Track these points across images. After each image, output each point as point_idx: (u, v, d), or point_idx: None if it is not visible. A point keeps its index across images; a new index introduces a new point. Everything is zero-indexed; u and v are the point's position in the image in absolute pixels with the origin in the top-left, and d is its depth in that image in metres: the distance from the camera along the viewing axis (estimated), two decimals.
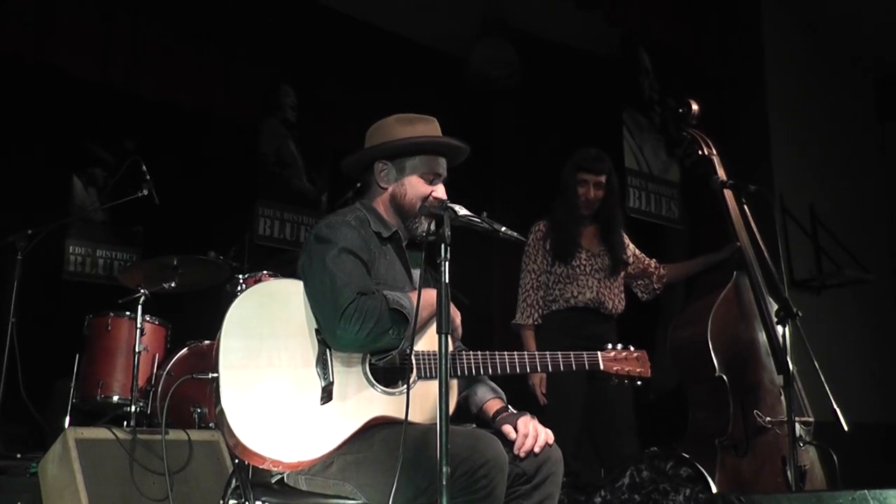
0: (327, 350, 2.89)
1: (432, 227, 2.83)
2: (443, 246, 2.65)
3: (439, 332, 2.57)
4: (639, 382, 3.25)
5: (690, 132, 5.17)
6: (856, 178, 8.15)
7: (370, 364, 2.94)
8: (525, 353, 3.12)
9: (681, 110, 5.23)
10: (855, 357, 7.33)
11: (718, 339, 4.57)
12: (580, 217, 5.24)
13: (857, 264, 7.34)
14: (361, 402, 2.89)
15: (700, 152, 5.04)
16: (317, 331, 2.91)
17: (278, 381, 2.82)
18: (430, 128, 3.28)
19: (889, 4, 7.54)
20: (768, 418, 4.43)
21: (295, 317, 2.92)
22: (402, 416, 2.77)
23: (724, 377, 4.51)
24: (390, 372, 2.97)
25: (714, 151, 5.06)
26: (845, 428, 3.89)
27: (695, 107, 5.18)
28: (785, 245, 7.08)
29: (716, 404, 4.52)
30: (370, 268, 3.04)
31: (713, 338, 4.56)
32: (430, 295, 2.91)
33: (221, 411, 2.75)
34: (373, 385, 2.92)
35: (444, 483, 2.44)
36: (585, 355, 3.18)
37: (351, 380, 2.90)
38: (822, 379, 4.02)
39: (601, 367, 3.19)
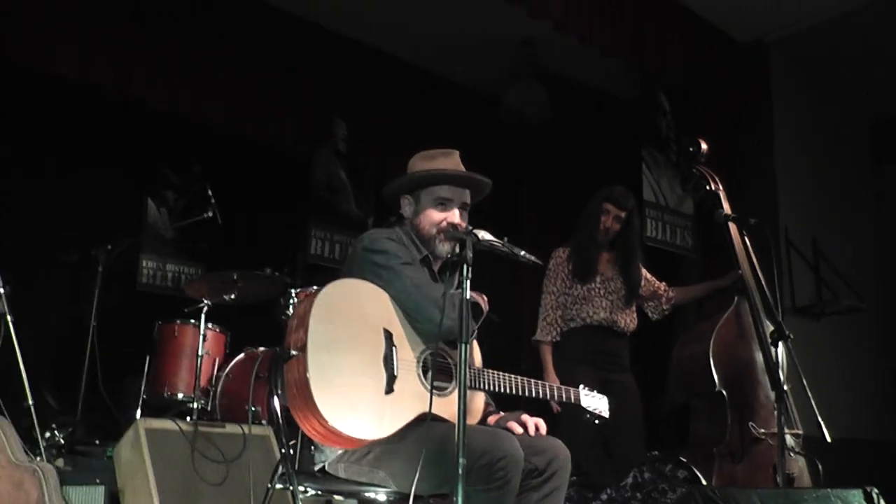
0: (393, 348, 3.01)
1: (456, 249, 2.95)
2: (464, 266, 2.81)
3: (460, 341, 2.71)
4: (596, 421, 3.50)
5: (699, 169, 5.25)
6: (854, 216, 8.18)
7: (423, 366, 3.09)
8: (532, 380, 3.30)
9: (691, 149, 5.32)
10: (849, 378, 7.36)
11: (719, 356, 4.67)
12: (600, 243, 5.38)
13: (854, 294, 7.36)
14: (415, 397, 3.02)
15: (707, 187, 5.13)
16: (385, 330, 3.03)
17: (354, 366, 2.92)
18: (448, 160, 3.41)
19: (885, 55, 7.63)
20: (762, 430, 4.52)
21: (368, 313, 3.04)
22: (444, 415, 2.97)
23: (724, 392, 4.61)
24: (436, 374, 3.12)
25: (720, 187, 5.14)
26: (828, 439, 3.98)
27: (704, 146, 5.28)
28: (789, 274, 7.13)
29: (715, 416, 4.61)
30: None
31: (715, 355, 4.67)
32: None
33: (306, 380, 2.82)
34: (424, 386, 3.06)
35: (461, 473, 2.56)
36: (572, 391, 3.42)
37: (408, 377, 3.03)
38: (809, 394, 4.10)
39: (581, 402, 3.43)
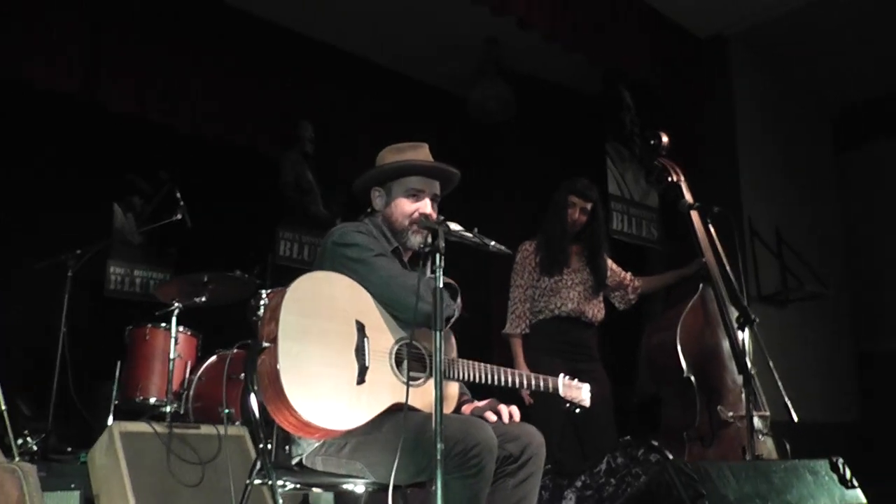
0: (365, 339, 3.03)
1: (428, 239, 2.99)
2: (437, 255, 2.86)
3: (434, 328, 2.75)
4: (577, 410, 3.49)
5: (661, 161, 5.36)
6: (816, 203, 8.32)
7: (396, 357, 3.10)
8: (510, 369, 3.31)
9: (652, 142, 5.42)
10: (815, 363, 7.49)
11: (686, 343, 4.76)
12: (567, 235, 5.44)
13: (818, 280, 7.48)
14: (387, 387, 3.04)
15: (669, 179, 5.24)
16: (357, 321, 3.04)
17: (325, 357, 2.94)
18: (417, 153, 3.46)
19: (844, 46, 7.75)
20: (731, 413, 4.61)
21: (339, 305, 3.05)
22: (419, 405, 3.01)
23: (692, 377, 4.70)
24: (410, 364, 3.14)
25: (682, 178, 5.25)
26: (795, 419, 4.06)
27: (665, 138, 5.39)
28: (753, 263, 7.23)
29: (684, 401, 4.70)
30: None
31: (682, 343, 4.76)
32: None
33: (276, 372, 2.83)
34: (396, 376, 3.08)
35: (439, 458, 2.61)
36: (550, 380, 3.41)
37: (380, 369, 3.05)
38: (776, 377, 4.19)
39: (560, 391, 3.42)
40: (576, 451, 5.04)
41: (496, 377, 3.28)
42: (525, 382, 3.35)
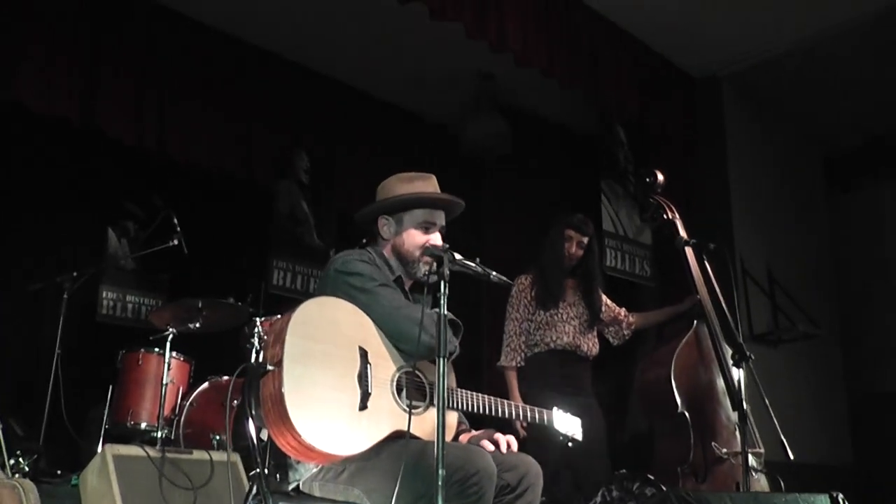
0: (368, 366, 3.04)
1: (433, 267, 3.03)
2: (442, 282, 2.88)
3: (438, 356, 2.78)
4: (570, 444, 3.52)
5: (656, 199, 5.42)
6: (808, 245, 8.38)
7: (397, 385, 3.12)
8: (506, 401, 3.35)
9: (648, 179, 5.48)
10: (808, 404, 7.49)
11: (680, 379, 4.78)
12: (563, 269, 5.46)
13: (810, 321, 7.51)
14: (389, 415, 3.05)
15: (665, 216, 5.29)
16: (360, 348, 3.06)
17: (329, 382, 2.95)
18: (427, 184, 3.49)
19: (837, 89, 7.85)
20: (724, 450, 4.62)
21: (345, 331, 3.07)
22: (419, 433, 3.01)
23: (686, 413, 4.72)
24: (410, 393, 3.16)
25: (677, 215, 5.30)
26: (790, 456, 4.08)
27: (660, 176, 5.45)
28: (746, 302, 7.27)
29: (678, 437, 4.72)
30: None
31: (676, 378, 4.78)
32: None
33: (281, 395, 2.83)
34: (397, 403, 3.10)
35: (440, 484, 2.62)
36: (545, 412, 3.44)
37: (382, 395, 3.06)
38: (772, 414, 4.21)
39: (554, 424, 3.45)
40: (570, 484, 5.03)
41: (494, 408, 3.30)
42: (521, 414, 3.39)
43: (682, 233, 5.25)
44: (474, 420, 3.41)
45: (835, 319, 8.43)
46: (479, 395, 3.29)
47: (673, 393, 4.76)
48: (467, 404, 3.25)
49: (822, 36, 7.12)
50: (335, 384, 2.97)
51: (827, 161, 9.03)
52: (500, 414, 3.30)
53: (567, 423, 3.50)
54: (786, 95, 8.01)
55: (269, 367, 2.91)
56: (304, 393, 2.89)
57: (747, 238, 7.51)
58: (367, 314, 3.17)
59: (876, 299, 8.52)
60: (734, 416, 4.62)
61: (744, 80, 7.78)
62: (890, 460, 7.62)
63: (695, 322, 5.07)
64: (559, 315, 5.35)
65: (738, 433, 4.58)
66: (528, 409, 3.42)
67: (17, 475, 3.66)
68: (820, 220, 8.76)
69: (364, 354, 3.07)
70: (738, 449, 4.50)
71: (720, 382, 4.84)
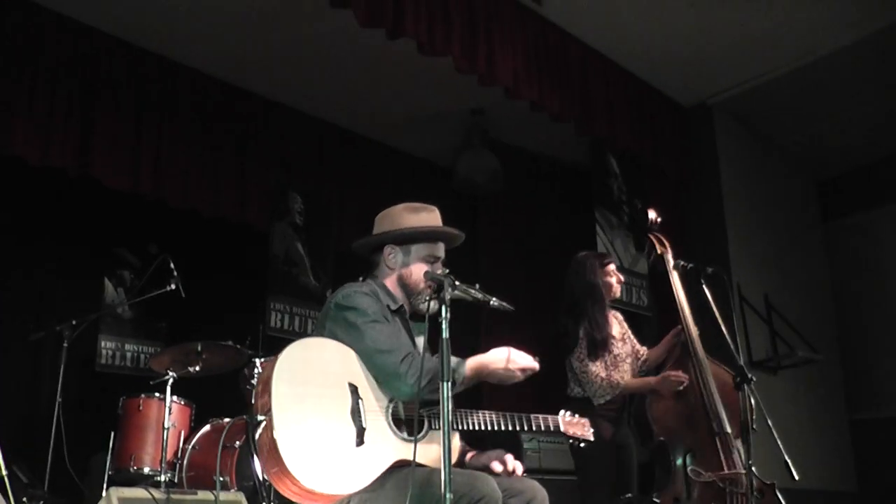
0: (360, 401, 3.09)
1: (434, 292, 3.07)
2: (443, 307, 2.93)
3: (442, 379, 2.81)
4: (582, 444, 3.53)
5: (650, 236, 5.51)
6: (804, 271, 8.45)
7: (392, 415, 3.16)
8: (509, 414, 3.33)
9: (642, 217, 5.61)
10: (808, 430, 7.53)
11: (658, 409, 4.92)
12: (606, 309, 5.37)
13: (808, 346, 7.55)
14: (387, 446, 3.09)
15: (657, 252, 5.40)
16: (350, 384, 3.10)
17: (322, 424, 2.99)
18: (432, 217, 3.57)
19: (826, 113, 7.96)
20: (709, 473, 4.65)
21: (331, 370, 3.12)
22: (421, 460, 3.02)
23: (663, 439, 4.83)
24: (408, 422, 3.19)
25: (668, 249, 5.40)
26: (795, 476, 4.08)
27: (653, 215, 5.55)
28: (744, 329, 7.31)
29: (662, 465, 4.79)
30: None
31: (652, 409, 4.93)
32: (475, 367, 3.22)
33: (274, 443, 2.88)
34: (394, 433, 3.13)
35: None
36: (551, 418, 3.44)
37: (378, 427, 3.10)
38: (775, 435, 4.21)
39: (561, 428, 3.46)
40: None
41: (498, 424, 3.30)
42: (526, 425, 3.37)
43: (670, 266, 5.33)
44: (477, 440, 3.42)
45: (833, 345, 8.48)
46: (481, 411, 3.30)
47: (650, 424, 4.87)
48: (468, 423, 3.26)
49: (812, 61, 7.23)
50: (328, 424, 3.01)
51: (821, 186, 9.14)
52: (503, 427, 3.30)
53: (575, 426, 3.51)
54: (777, 121, 8.13)
55: (260, 418, 2.96)
56: (298, 438, 2.93)
57: (744, 265, 7.57)
58: (353, 349, 3.22)
59: (874, 325, 8.56)
60: (716, 436, 4.73)
61: (734, 108, 7.90)
62: (894, 485, 7.64)
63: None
64: (620, 355, 5.28)
65: (721, 454, 4.67)
66: (533, 418, 3.39)
67: None
68: (816, 246, 8.85)
69: (354, 390, 3.12)
70: (723, 471, 4.61)
71: (699, 406, 4.88)
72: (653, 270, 7.16)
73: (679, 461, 4.75)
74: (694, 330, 5.11)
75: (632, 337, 5.53)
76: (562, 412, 3.50)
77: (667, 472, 4.74)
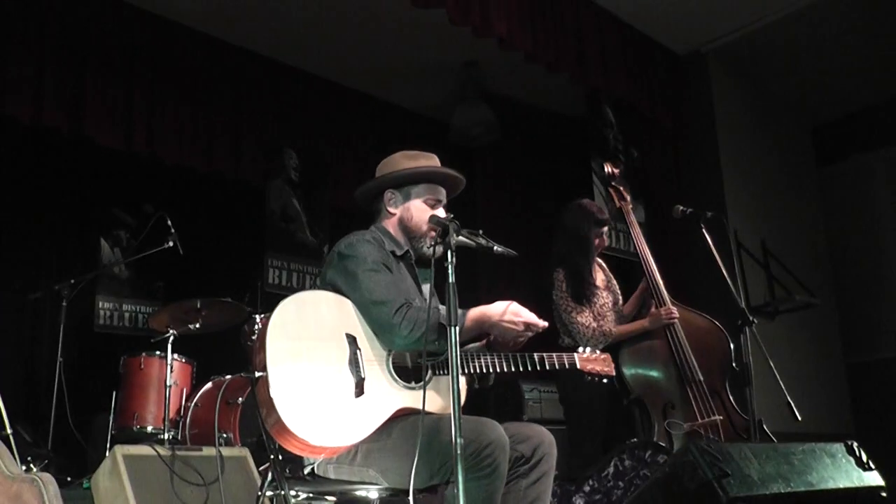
0: (357, 351, 3.05)
1: (439, 236, 3.05)
2: (449, 252, 2.87)
3: (448, 324, 2.75)
4: (605, 380, 3.42)
5: (609, 189, 5.53)
6: (800, 216, 8.45)
7: (393, 363, 3.13)
8: (527, 353, 3.23)
9: (605, 171, 5.65)
10: (806, 374, 7.53)
11: (631, 363, 4.93)
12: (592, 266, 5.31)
13: (806, 290, 7.54)
14: (388, 395, 3.06)
15: (617, 204, 5.43)
16: (347, 335, 3.07)
17: (318, 377, 2.96)
18: (431, 161, 3.53)
19: (822, 60, 7.90)
20: (687, 424, 4.65)
21: (327, 322, 3.08)
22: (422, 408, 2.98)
23: (641, 397, 4.81)
24: (410, 369, 3.16)
25: (628, 200, 5.55)
26: (798, 418, 4.09)
27: (608, 168, 5.58)
28: (742, 275, 7.30)
29: (644, 419, 4.79)
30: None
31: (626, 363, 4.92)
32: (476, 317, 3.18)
33: (271, 400, 2.87)
34: (395, 381, 3.10)
35: (458, 453, 2.57)
36: (566, 356, 3.33)
37: (378, 376, 3.07)
38: (777, 377, 4.22)
39: (577, 366, 3.35)
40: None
41: (510, 364, 3.22)
42: (533, 365, 3.26)
43: (631, 218, 5.37)
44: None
45: (829, 289, 8.48)
46: (492, 353, 3.24)
47: (625, 381, 4.85)
48: (476, 367, 3.19)
49: (806, 6, 7.15)
50: (325, 377, 2.98)
51: (815, 132, 9.10)
52: (511, 369, 3.21)
53: (594, 363, 3.39)
54: (771, 68, 8.05)
55: (258, 374, 2.94)
56: (295, 394, 2.91)
57: (740, 212, 7.53)
58: (349, 299, 3.19)
59: (869, 269, 8.56)
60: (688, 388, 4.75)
61: (729, 55, 7.82)
62: (890, 428, 7.67)
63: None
64: (605, 305, 5.21)
65: (698, 403, 4.69)
66: (547, 357, 3.28)
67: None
68: (811, 191, 8.83)
69: (353, 340, 3.09)
70: (698, 420, 4.64)
71: (669, 360, 4.89)
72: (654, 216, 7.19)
73: (657, 416, 4.72)
74: (660, 281, 5.12)
75: (614, 283, 5.48)
76: (580, 349, 3.41)
77: (649, 429, 4.72)
